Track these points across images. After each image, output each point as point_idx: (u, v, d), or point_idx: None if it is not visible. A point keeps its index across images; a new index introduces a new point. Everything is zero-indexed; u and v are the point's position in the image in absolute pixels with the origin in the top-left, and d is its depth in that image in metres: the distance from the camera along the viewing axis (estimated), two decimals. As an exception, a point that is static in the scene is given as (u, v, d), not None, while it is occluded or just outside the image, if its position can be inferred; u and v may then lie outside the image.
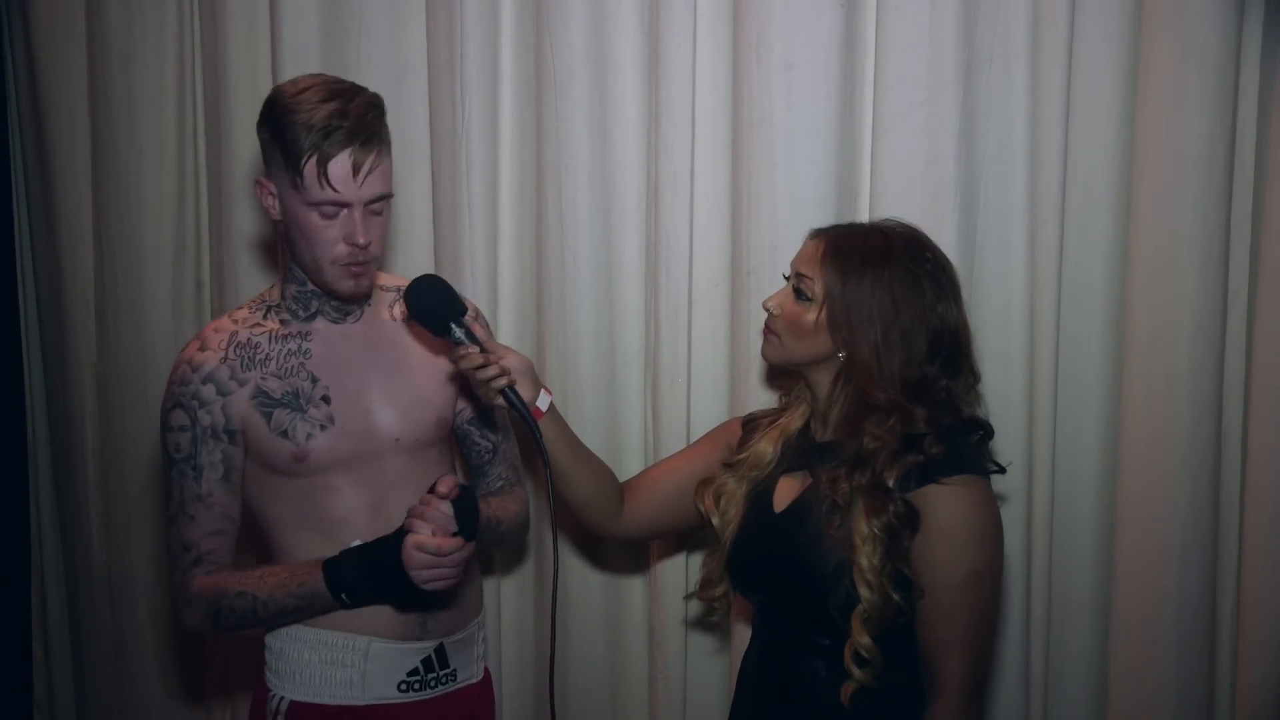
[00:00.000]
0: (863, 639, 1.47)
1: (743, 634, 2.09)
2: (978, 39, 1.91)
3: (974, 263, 1.96)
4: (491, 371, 1.56)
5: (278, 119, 1.56)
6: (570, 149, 2.07)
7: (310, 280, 1.68)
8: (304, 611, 1.64)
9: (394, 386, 1.73)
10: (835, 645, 1.52)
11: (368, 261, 1.62)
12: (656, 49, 2.02)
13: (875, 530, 1.46)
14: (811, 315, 1.56)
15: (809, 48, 1.96)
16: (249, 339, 1.68)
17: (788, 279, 1.64)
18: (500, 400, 1.59)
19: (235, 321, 1.70)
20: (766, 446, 1.70)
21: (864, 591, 1.46)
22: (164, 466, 1.67)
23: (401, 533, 1.55)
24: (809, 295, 1.57)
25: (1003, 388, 1.96)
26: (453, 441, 1.89)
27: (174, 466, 1.65)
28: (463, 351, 1.58)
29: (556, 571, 1.65)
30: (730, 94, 2.03)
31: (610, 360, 2.13)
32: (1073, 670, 2.02)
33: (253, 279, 2.31)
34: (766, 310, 1.64)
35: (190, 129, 2.43)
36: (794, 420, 1.70)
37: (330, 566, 1.60)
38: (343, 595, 1.59)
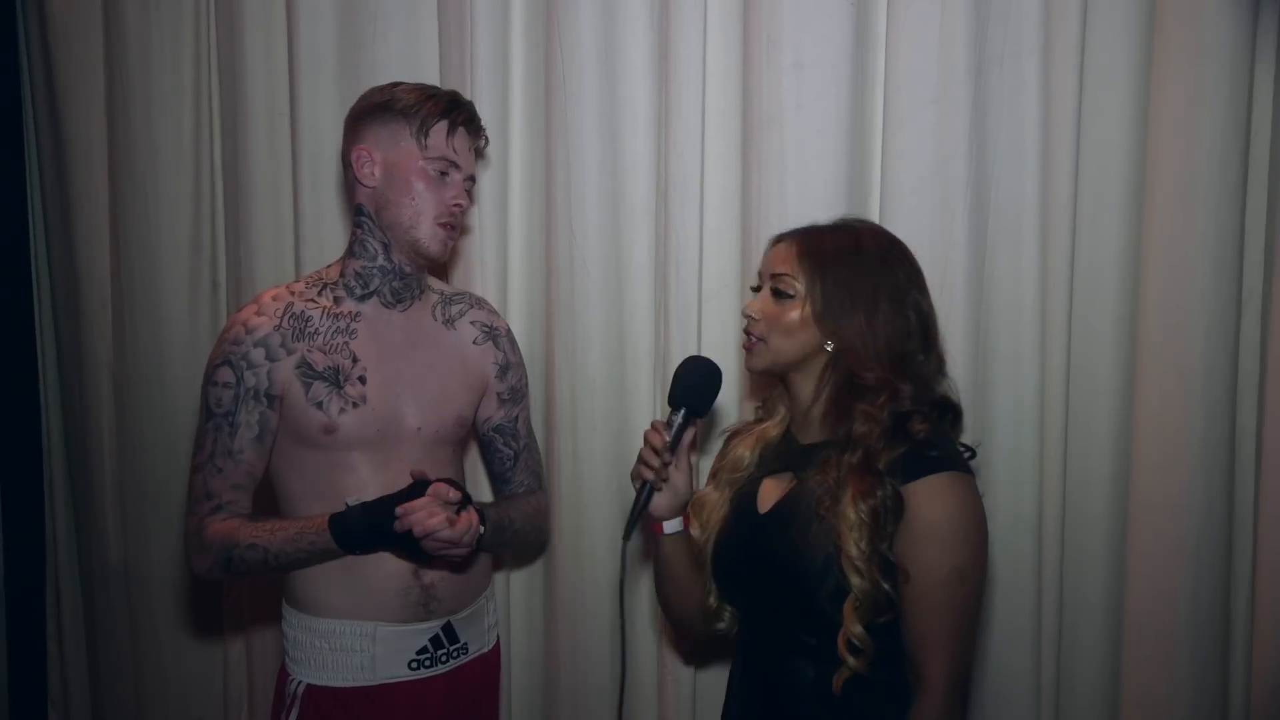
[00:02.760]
0: (855, 627, 1.47)
1: (752, 634, 2.08)
2: (989, 37, 1.90)
3: (985, 262, 1.95)
4: (655, 461, 1.59)
5: (403, 96, 1.76)
6: (580, 149, 2.08)
7: (395, 248, 1.79)
8: (313, 561, 1.73)
9: (424, 380, 1.81)
10: (822, 644, 1.51)
11: (457, 226, 1.81)
12: (666, 49, 2.03)
13: (862, 515, 1.46)
14: (795, 312, 1.56)
15: (819, 47, 1.96)
16: (302, 311, 1.77)
17: (757, 289, 1.64)
18: (636, 486, 1.62)
19: (292, 293, 1.80)
20: (744, 451, 1.70)
21: (854, 579, 1.46)
22: (200, 416, 1.76)
23: (403, 494, 1.65)
24: (790, 292, 1.57)
25: (1015, 388, 1.95)
26: (469, 444, 1.97)
27: (211, 419, 1.73)
28: (655, 430, 1.61)
29: (624, 674, 1.72)
30: (740, 93, 2.03)
31: (620, 360, 2.13)
32: (1085, 671, 2.00)
33: (268, 279, 2.32)
34: (747, 317, 1.63)
35: (206, 130, 2.45)
36: (772, 428, 1.70)
37: (339, 526, 1.68)
38: (356, 550, 1.70)
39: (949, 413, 1.59)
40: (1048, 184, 1.91)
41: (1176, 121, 1.89)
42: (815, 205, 1.97)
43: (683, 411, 1.60)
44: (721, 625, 1.75)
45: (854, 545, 1.46)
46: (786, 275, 1.58)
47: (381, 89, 1.81)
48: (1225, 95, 1.86)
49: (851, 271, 1.55)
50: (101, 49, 2.47)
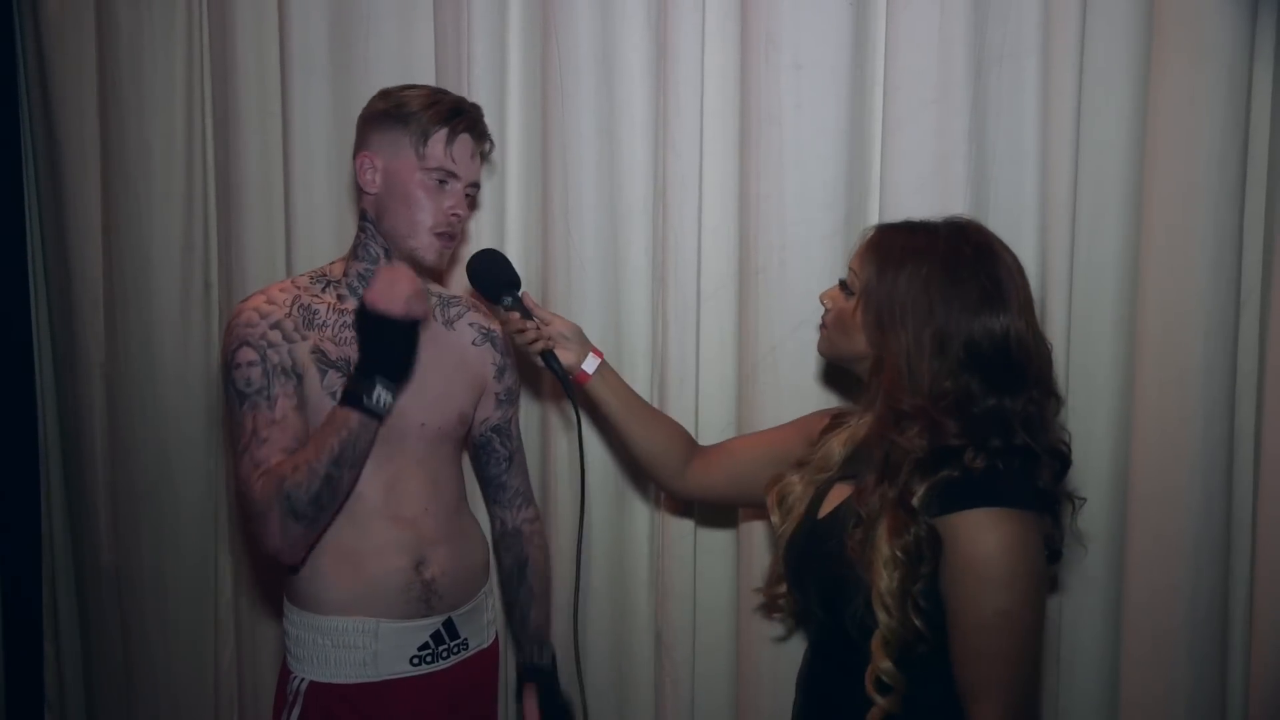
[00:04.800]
0: (883, 664, 1.38)
1: (751, 637, 2.08)
2: (988, 37, 1.90)
3: (984, 262, 1.94)
4: (530, 335, 1.70)
5: (407, 102, 1.75)
6: (577, 149, 2.06)
7: (395, 252, 1.79)
8: (358, 450, 1.63)
9: (427, 377, 1.81)
10: (851, 660, 1.44)
11: (455, 236, 1.80)
12: (664, 49, 2.02)
13: (896, 552, 1.36)
14: (852, 310, 1.49)
15: (818, 47, 1.95)
16: (309, 304, 1.78)
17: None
18: (541, 363, 1.71)
19: (297, 287, 1.80)
20: (836, 448, 1.62)
21: (882, 616, 1.37)
22: (232, 405, 1.69)
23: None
24: (852, 289, 1.51)
25: (1013, 388, 1.95)
26: (466, 447, 1.97)
27: (245, 400, 1.68)
28: (505, 315, 1.72)
29: (582, 527, 1.80)
30: (739, 94, 2.02)
31: (618, 361, 2.11)
32: (1084, 670, 2.01)
33: (260, 279, 2.30)
34: (822, 303, 1.59)
35: (199, 130, 2.43)
36: (862, 428, 1.57)
37: (350, 395, 1.62)
38: (378, 402, 1.62)
39: (1032, 460, 1.40)
40: (1048, 184, 1.91)
41: (1176, 121, 1.89)
42: (814, 206, 1.97)
43: (506, 294, 1.73)
44: (782, 603, 1.76)
45: (884, 581, 1.37)
46: (852, 269, 1.52)
47: (388, 93, 1.79)
48: (1225, 95, 1.85)
49: (908, 278, 1.41)
50: (94, 50, 2.45)
